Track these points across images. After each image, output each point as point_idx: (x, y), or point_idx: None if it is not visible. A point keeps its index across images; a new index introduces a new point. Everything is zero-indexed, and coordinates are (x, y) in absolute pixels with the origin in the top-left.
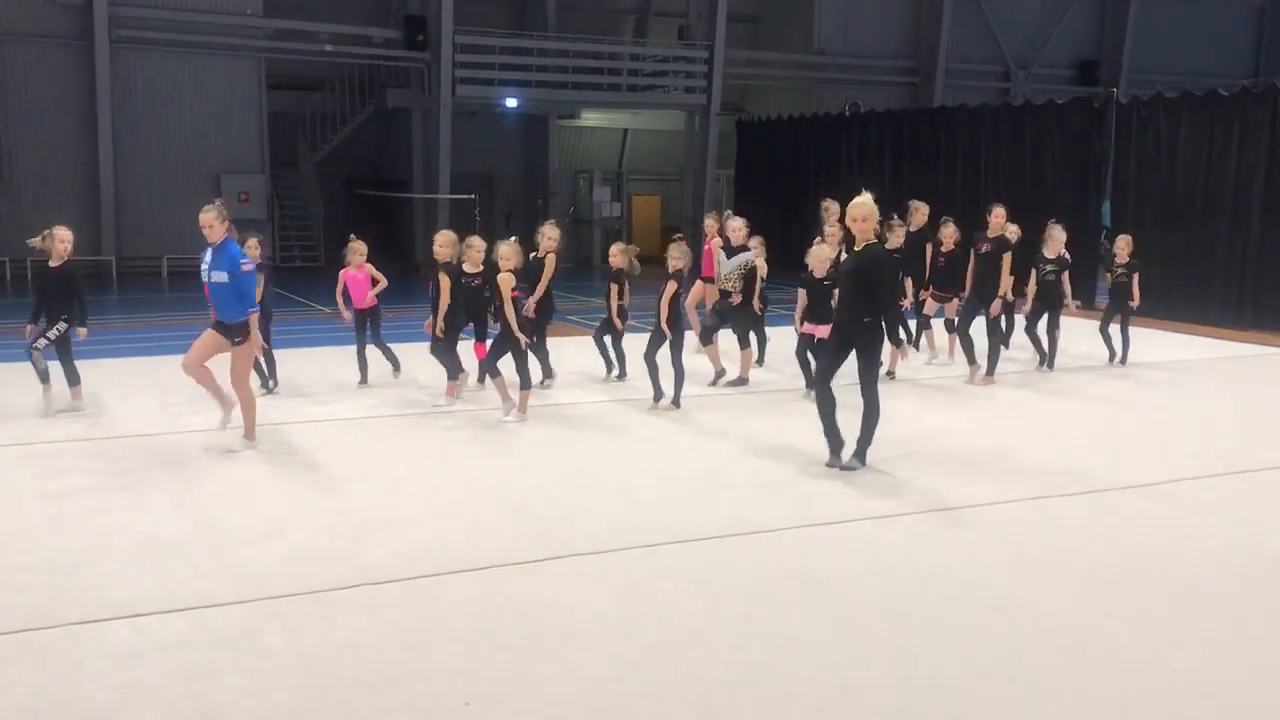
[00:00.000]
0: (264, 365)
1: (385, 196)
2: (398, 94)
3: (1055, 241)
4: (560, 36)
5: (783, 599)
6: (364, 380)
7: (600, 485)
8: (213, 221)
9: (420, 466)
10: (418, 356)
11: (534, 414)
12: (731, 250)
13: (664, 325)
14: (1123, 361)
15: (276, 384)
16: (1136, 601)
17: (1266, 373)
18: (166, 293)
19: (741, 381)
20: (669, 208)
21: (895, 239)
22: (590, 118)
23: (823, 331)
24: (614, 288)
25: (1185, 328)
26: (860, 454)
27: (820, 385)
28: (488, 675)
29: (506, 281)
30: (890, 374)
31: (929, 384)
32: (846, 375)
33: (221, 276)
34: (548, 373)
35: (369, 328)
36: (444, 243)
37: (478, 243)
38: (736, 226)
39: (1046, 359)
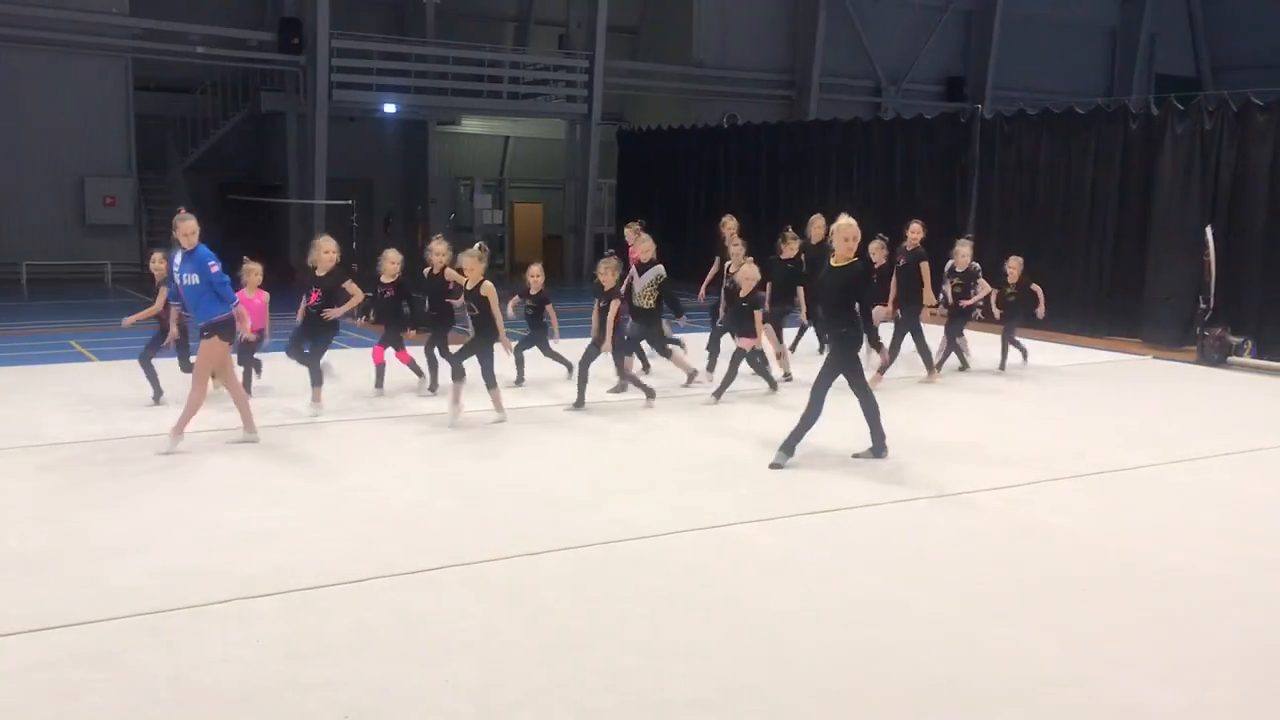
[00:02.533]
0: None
1: (260, 202)
2: (272, 98)
3: (962, 256)
4: (440, 43)
5: (664, 603)
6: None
7: (484, 494)
8: (193, 229)
9: (300, 478)
10: (287, 365)
11: (421, 423)
12: (643, 267)
13: (609, 341)
14: (1001, 368)
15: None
16: (1004, 599)
17: (1126, 376)
18: (26, 300)
19: (693, 374)
20: (551, 216)
21: (789, 250)
22: (471, 125)
23: (749, 343)
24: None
25: (1045, 335)
26: (877, 448)
27: (814, 395)
28: (368, 687)
29: (491, 290)
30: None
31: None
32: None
33: (194, 279)
34: (434, 383)
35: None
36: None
37: (392, 254)
38: (648, 248)
39: (960, 363)
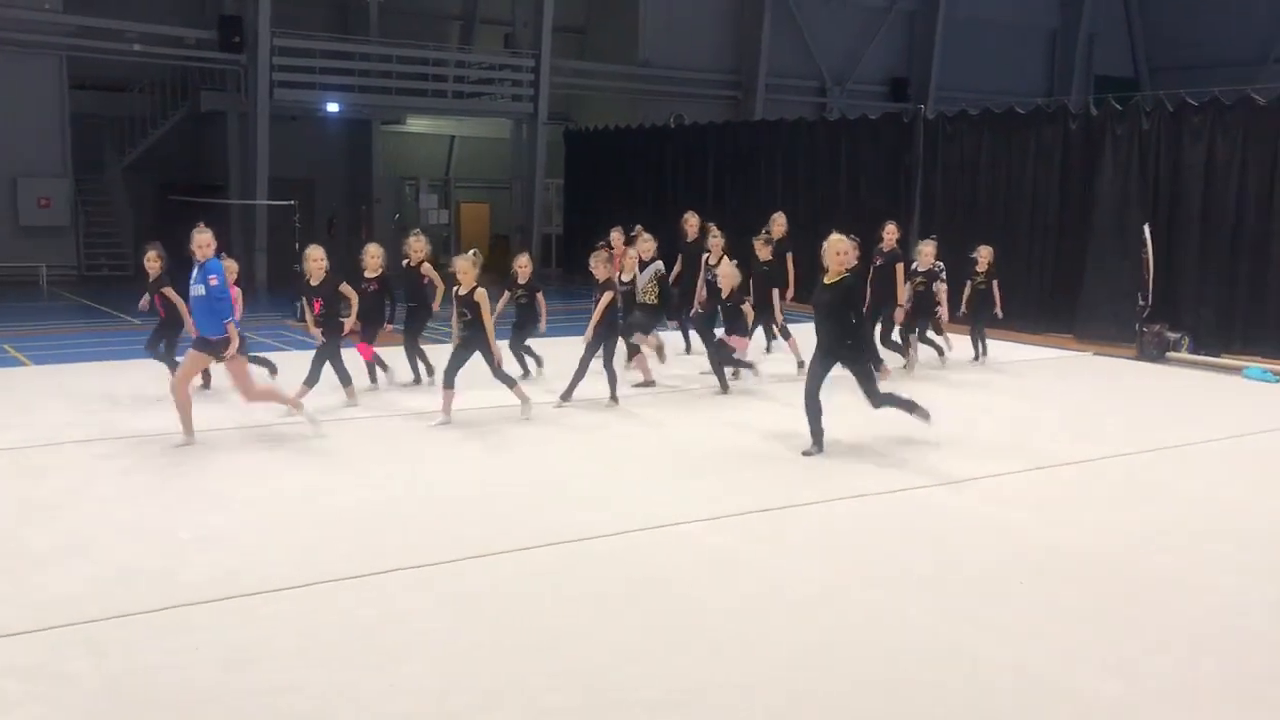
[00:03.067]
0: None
1: (200, 203)
2: (213, 97)
3: (925, 256)
4: (384, 41)
5: (615, 605)
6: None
7: (433, 496)
8: (209, 242)
9: (242, 482)
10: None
11: (368, 425)
12: (643, 264)
13: (591, 331)
14: (982, 358)
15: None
16: (946, 592)
17: (1068, 372)
18: None
19: (649, 384)
20: (498, 215)
21: (764, 252)
22: (416, 124)
23: (741, 344)
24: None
25: (988, 333)
26: (919, 410)
27: (810, 394)
28: (313, 692)
29: (484, 296)
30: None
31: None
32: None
33: (199, 290)
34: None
35: None
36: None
37: (374, 248)
38: (648, 248)
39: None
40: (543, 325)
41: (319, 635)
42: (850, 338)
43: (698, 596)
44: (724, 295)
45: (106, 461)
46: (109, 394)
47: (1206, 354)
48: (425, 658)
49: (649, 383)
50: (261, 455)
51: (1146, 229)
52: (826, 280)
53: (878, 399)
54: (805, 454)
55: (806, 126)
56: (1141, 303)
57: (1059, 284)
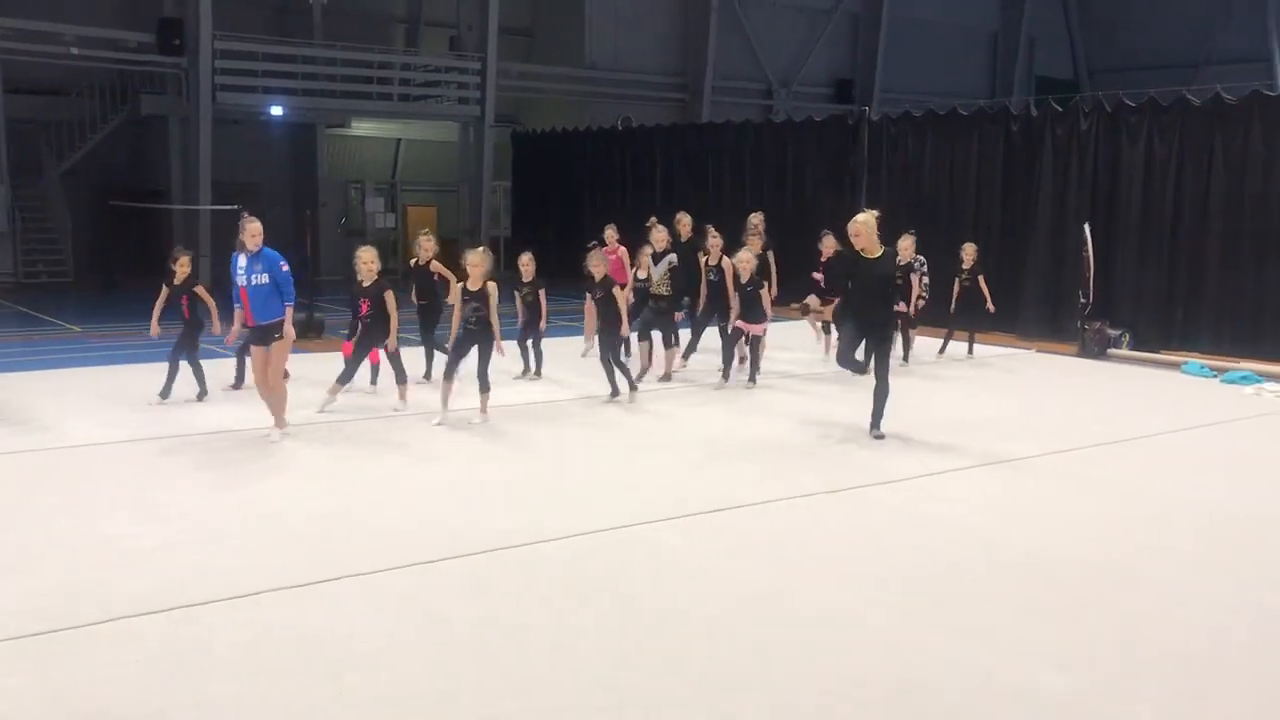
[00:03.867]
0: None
1: (141, 208)
2: (153, 100)
3: (905, 250)
4: (328, 44)
5: (561, 606)
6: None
7: (378, 502)
8: (259, 230)
9: (186, 491)
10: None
11: (308, 430)
12: (658, 256)
13: (618, 326)
14: (970, 354)
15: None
16: (896, 590)
17: (1012, 369)
18: None
19: (666, 378)
20: (445, 219)
21: (713, 258)
22: (361, 127)
23: (757, 329)
24: (541, 292)
25: (932, 332)
26: (877, 426)
27: (851, 360)
28: (259, 702)
29: (494, 290)
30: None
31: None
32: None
33: (263, 279)
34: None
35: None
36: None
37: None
38: (661, 238)
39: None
40: (543, 324)
41: (266, 645)
42: (885, 310)
43: (648, 598)
44: (744, 280)
45: (46, 473)
46: (49, 403)
47: (1146, 350)
48: (372, 665)
49: (667, 375)
50: (214, 462)
51: (1086, 228)
52: (869, 255)
53: (884, 378)
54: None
55: (753, 128)
56: (1082, 300)
57: (1002, 282)
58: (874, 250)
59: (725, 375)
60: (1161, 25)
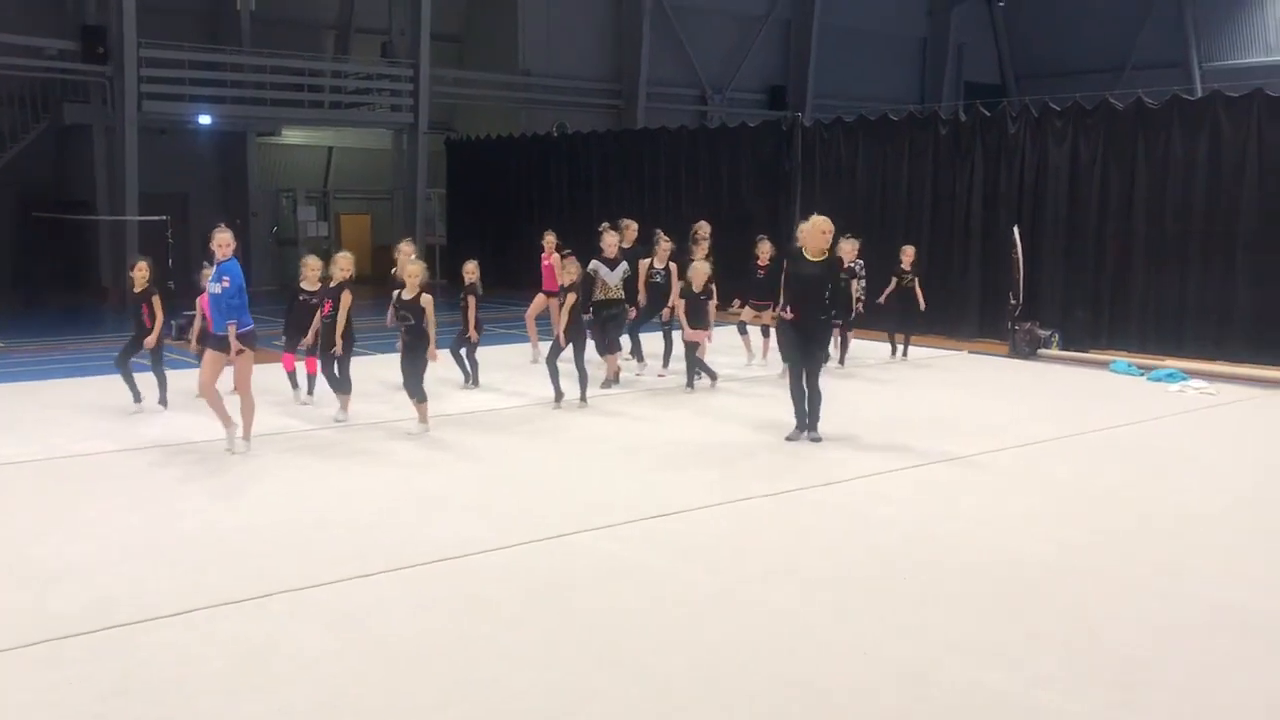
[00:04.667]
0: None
1: (66, 219)
2: (76, 109)
3: (846, 253)
4: (257, 51)
5: (504, 615)
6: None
7: (317, 515)
8: (229, 241)
9: (114, 507)
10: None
11: (254, 443)
12: (612, 263)
13: (561, 335)
14: (905, 355)
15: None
16: (839, 591)
17: (945, 370)
18: None
19: (611, 382)
20: (379, 226)
21: (661, 259)
22: (292, 135)
23: (700, 336)
24: (471, 300)
25: (866, 334)
26: (814, 428)
27: (795, 374)
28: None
29: (430, 301)
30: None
31: (739, 381)
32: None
33: (216, 289)
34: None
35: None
36: (345, 265)
37: (313, 261)
38: (612, 243)
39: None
40: (472, 333)
41: (200, 663)
42: (825, 314)
43: (592, 605)
44: (697, 290)
45: None
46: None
47: (1075, 350)
48: (308, 680)
49: (612, 379)
50: (143, 477)
51: (1016, 230)
52: (811, 257)
53: (818, 383)
54: (789, 439)
55: (688, 134)
56: (1013, 301)
57: (934, 284)
58: (816, 253)
59: (690, 383)
60: (1084, 31)
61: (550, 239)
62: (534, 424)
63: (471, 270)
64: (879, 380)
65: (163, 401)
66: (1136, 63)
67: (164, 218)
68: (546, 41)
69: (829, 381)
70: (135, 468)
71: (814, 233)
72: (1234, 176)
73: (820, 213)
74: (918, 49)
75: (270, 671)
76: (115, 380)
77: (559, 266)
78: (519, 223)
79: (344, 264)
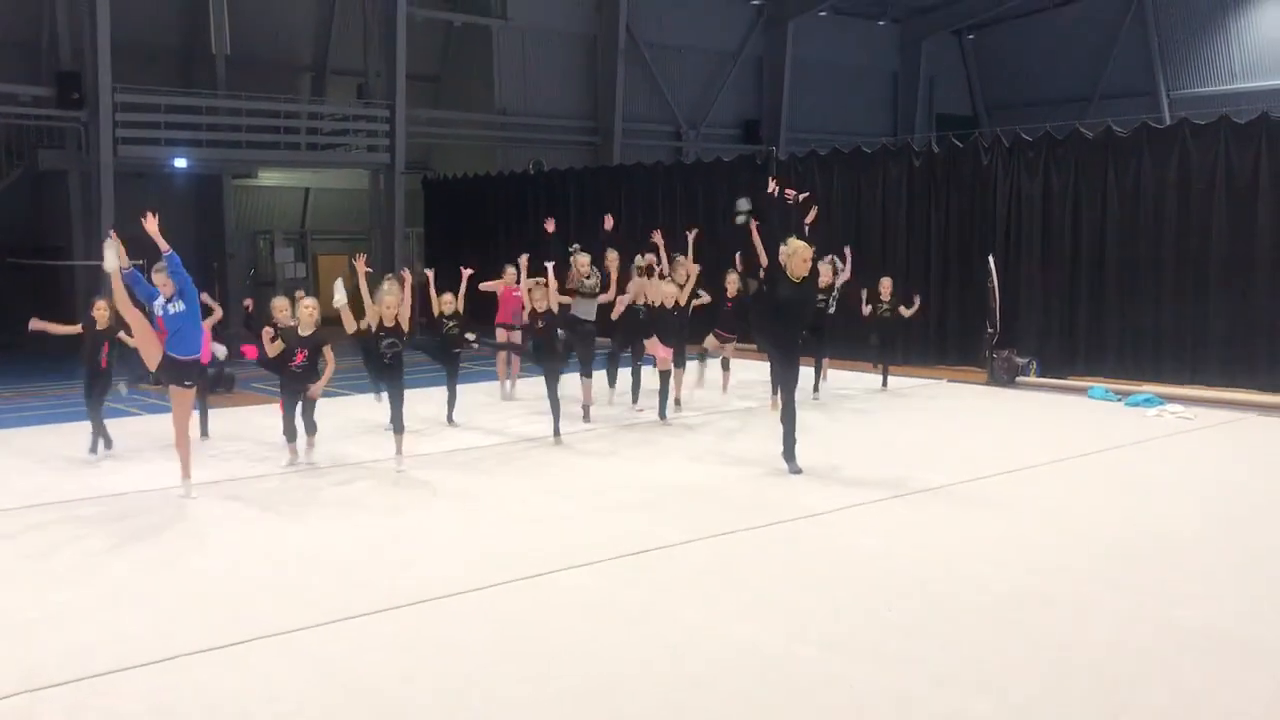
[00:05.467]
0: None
1: (42, 264)
2: (51, 155)
3: (823, 276)
4: (232, 94)
5: (485, 657)
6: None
7: (290, 558)
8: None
9: (87, 556)
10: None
11: (213, 489)
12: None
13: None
14: (885, 385)
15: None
16: (821, 623)
17: (924, 398)
18: None
19: (586, 415)
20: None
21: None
22: (269, 177)
23: (665, 352)
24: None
25: (844, 364)
26: (792, 459)
27: (789, 399)
28: None
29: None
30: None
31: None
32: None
33: (179, 306)
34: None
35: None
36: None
37: (280, 303)
38: (583, 262)
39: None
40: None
41: (176, 710)
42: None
43: (571, 644)
44: (661, 306)
45: None
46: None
47: (1053, 376)
48: None
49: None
50: (116, 524)
51: (991, 260)
52: (795, 279)
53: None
54: (793, 471)
55: (663, 170)
56: (990, 330)
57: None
58: (797, 276)
59: (662, 413)
60: (1054, 62)
61: (510, 272)
62: (512, 463)
63: (448, 301)
64: (857, 410)
65: (107, 445)
66: (1105, 92)
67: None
68: (522, 80)
69: (807, 414)
70: (102, 515)
71: (797, 259)
72: (1204, 202)
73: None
74: (889, 82)
75: (245, 717)
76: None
77: (528, 296)
78: (497, 260)
79: (312, 311)
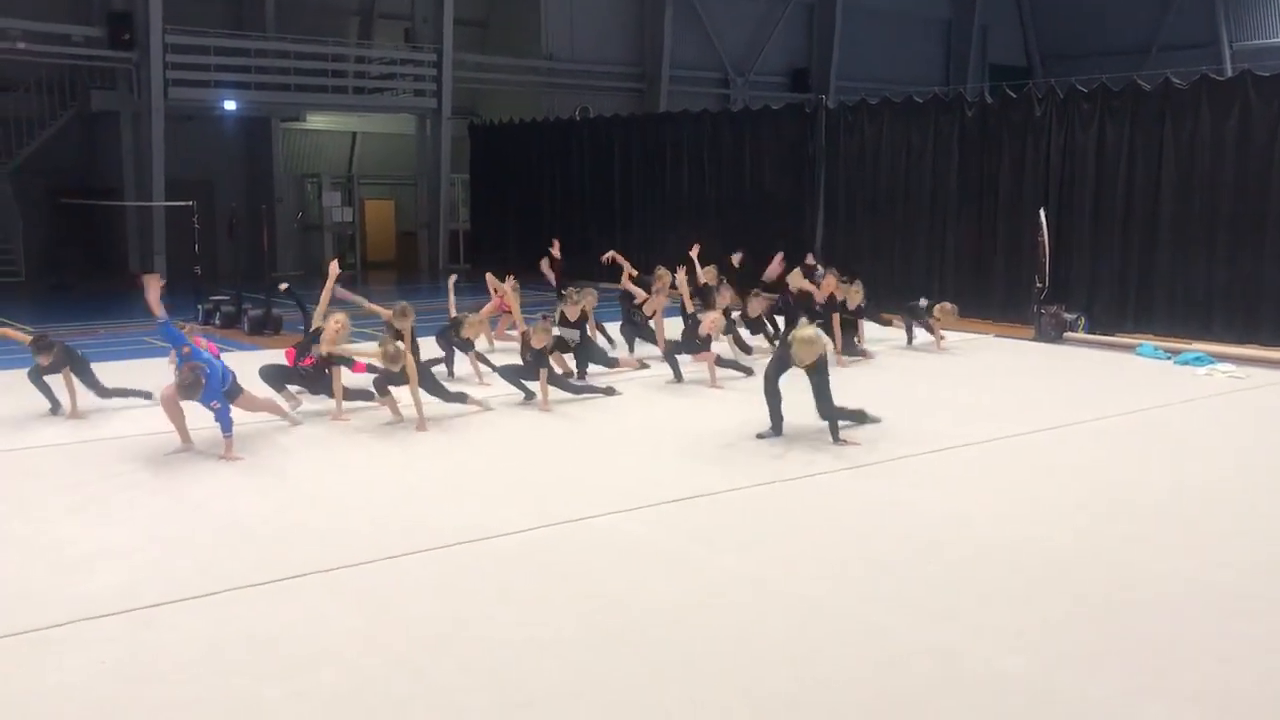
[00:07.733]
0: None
1: (94, 205)
2: (103, 96)
3: (825, 287)
4: (281, 37)
5: (524, 598)
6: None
7: (331, 501)
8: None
9: (143, 493)
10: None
11: (260, 434)
12: (572, 325)
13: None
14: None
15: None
16: (859, 575)
17: (971, 353)
18: None
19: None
20: (403, 212)
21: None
22: (316, 120)
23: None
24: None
25: (893, 318)
26: (836, 436)
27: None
28: (219, 702)
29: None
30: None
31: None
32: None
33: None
34: None
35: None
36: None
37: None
38: (590, 303)
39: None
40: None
41: (223, 645)
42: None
43: (612, 588)
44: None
45: None
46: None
47: (1101, 333)
48: (334, 663)
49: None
50: (161, 465)
51: (1042, 213)
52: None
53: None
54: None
55: (710, 118)
56: (1039, 285)
57: (959, 268)
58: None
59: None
60: (1111, 12)
61: (492, 281)
62: (533, 414)
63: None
64: (902, 365)
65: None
66: (1165, 43)
67: (190, 203)
68: (569, 26)
69: (849, 369)
70: (148, 456)
71: (810, 351)
72: (1263, 157)
73: (844, 196)
74: (942, 31)
75: (293, 655)
76: (140, 364)
77: (538, 330)
78: (542, 208)
79: (338, 328)
